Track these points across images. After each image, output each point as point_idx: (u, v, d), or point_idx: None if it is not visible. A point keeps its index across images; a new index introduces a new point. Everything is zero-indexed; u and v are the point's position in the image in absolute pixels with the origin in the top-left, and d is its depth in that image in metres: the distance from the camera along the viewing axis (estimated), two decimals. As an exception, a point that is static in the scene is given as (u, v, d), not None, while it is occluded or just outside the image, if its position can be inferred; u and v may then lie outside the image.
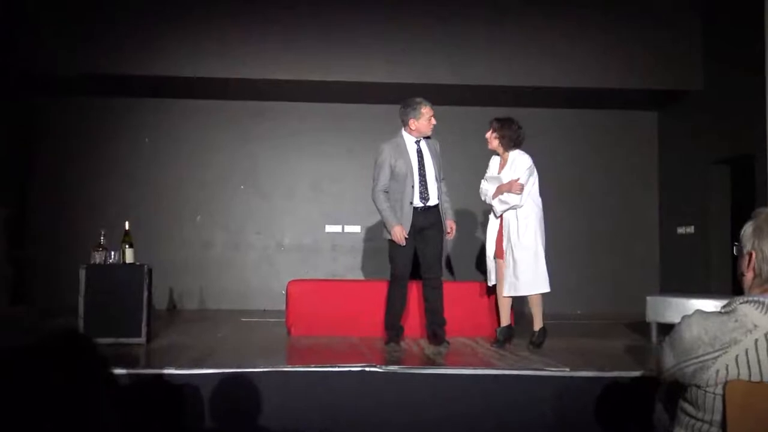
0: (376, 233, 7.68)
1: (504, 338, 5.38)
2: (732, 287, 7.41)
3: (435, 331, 5.34)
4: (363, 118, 9.00)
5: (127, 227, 5.40)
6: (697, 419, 1.98)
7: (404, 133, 5.36)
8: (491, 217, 5.53)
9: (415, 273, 5.45)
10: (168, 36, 7.94)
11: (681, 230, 8.83)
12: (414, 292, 5.73)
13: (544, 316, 5.35)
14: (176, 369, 3.98)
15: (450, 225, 5.42)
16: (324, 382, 4.01)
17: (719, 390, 1.91)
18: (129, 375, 3.89)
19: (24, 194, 8.72)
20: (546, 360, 4.55)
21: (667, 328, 3.66)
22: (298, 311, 6.00)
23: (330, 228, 9.19)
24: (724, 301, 2.07)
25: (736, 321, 1.93)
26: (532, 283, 5.23)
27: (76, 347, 1.53)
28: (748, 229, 2.08)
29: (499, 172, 5.40)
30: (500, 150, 5.43)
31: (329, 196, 9.21)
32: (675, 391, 2.10)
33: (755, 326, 1.91)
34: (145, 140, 9.03)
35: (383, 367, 4.14)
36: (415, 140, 5.34)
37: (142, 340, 5.14)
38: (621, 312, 7.93)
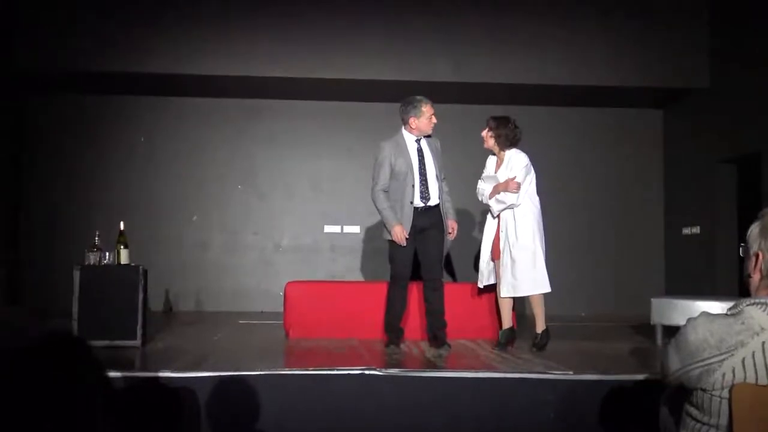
0: (375, 233, 7.64)
1: (506, 341, 5.34)
2: (738, 289, 7.37)
3: (436, 333, 5.30)
4: (362, 117, 8.96)
5: (122, 227, 5.36)
6: (703, 423, 1.96)
7: (404, 132, 5.32)
8: (488, 217, 5.49)
9: (416, 274, 5.41)
10: (164, 33, 7.89)
11: (686, 231, 8.78)
12: (414, 293, 5.70)
13: (547, 318, 5.30)
14: (172, 372, 3.93)
15: (451, 225, 5.38)
16: (323, 386, 3.97)
17: (725, 394, 1.89)
18: (124, 378, 3.84)
19: (17, 194, 8.65)
20: (549, 363, 4.50)
21: (672, 331, 3.63)
22: (296, 313, 5.96)
23: (329, 228, 9.14)
24: (731, 303, 2.04)
25: (743, 323, 1.91)
26: (531, 284, 5.19)
27: (69, 350, 1.48)
28: (754, 230, 2.06)
29: (495, 172, 5.36)
30: (496, 149, 5.39)
31: (328, 195, 9.15)
32: (680, 394, 2.08)
33: (762, 329, 1.89)
34: (140, 139, 8.97)
35: (383, 370, 4.09)
36: (415, 139, 5.30)
37: (138, 342, 5.08)
38: (625, 314, 7.88)
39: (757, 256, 2.03)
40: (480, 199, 5.46)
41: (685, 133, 8.92)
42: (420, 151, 5.28)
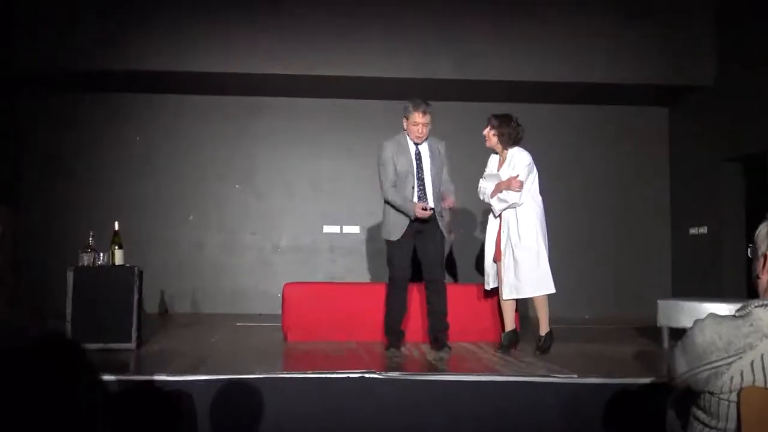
0: (375, 234, 7.58)
1: (509, 343, 5.29)
2: (747, 290, 7.31)
3: (437, 335, 5.26)
4: (362, 115, 8.91)
5: (116, 227, 5.32)
6: (711, 427, 1.95)
7: (405, 132, 5.30)
8: (490, 217, 5.45)
9: (416, 275, 5.35)
10: (162, 29, 7.83)
11: (693, 231, 8.71)
12: (415, 294, 5.67)
13: (550, 321, 5.24)
14: (168, 375, 3.90)
15: (449, 202, 5.26)
16: (322, 389, 3.94)
17: (733, 397, 1.88)
18: (118, 382, 3.81)
19: (12, 193, 8.57)
20: (553, 366, 4.47)
21: (679, 333, 3.58)
22: (295, 315, 5.91)
23: (328, 228, 9.07)
24: (739, 305, 2.02)
25: (751, 325, 1.89)
26: (535, 285, 5.14)
27: (63, 352, 1.43)
28: (762, 231, 2.06)
29: (498, 170, 5.31)
30: (498, 147, 5.35)
31: (327, 195, 9.08)
32: (687, 397, 2.07)
33: (771, 331, 1.86)
34: (135, 138, 8.89)
35: (383, 373, 4.07)
36: (414, 142, 5.25)
37: (132, 345, 5.05)
38: (631, 316, 7.81)
39: (765, 257, 2.02)
40: (481, 198, 5.41)
41: (690, 131, 8.86)
42: (418, 155, 5.24)
